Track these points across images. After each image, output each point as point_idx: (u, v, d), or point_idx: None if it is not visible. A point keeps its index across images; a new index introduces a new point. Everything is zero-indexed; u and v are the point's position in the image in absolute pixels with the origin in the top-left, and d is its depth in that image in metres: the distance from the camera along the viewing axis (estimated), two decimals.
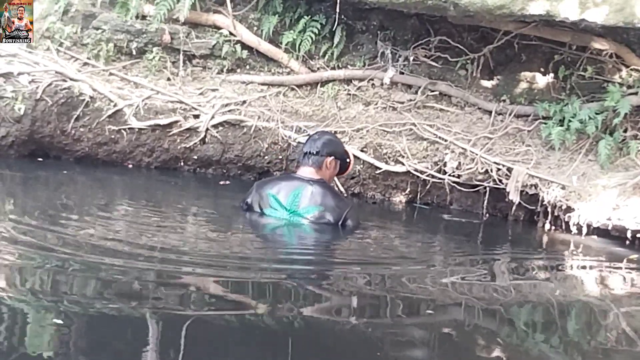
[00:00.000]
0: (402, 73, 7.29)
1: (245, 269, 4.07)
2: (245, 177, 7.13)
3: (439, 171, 6.77)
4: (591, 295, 4.50)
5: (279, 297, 3.65)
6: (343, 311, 3.60)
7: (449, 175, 6.70)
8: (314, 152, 5.28)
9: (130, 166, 6.98)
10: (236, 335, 3.03)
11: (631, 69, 7.05)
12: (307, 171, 5.30)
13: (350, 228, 5.26)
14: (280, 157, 6.98)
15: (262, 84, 7.32)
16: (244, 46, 7.32)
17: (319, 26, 7.25)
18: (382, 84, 7.28)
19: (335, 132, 6.90)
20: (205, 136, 6.93)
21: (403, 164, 6.82)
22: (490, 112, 7.10)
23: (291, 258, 4.60)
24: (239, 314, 3.28)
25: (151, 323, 2.98)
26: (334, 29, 7.27)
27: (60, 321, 2.87)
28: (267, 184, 5.46)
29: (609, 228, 5.95)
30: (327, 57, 7.37)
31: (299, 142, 6.86)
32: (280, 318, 3.31)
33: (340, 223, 5.19)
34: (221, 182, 6.97)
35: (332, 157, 5.34)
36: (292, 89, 7.33)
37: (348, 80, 7.36)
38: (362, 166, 6.91)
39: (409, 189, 6.97)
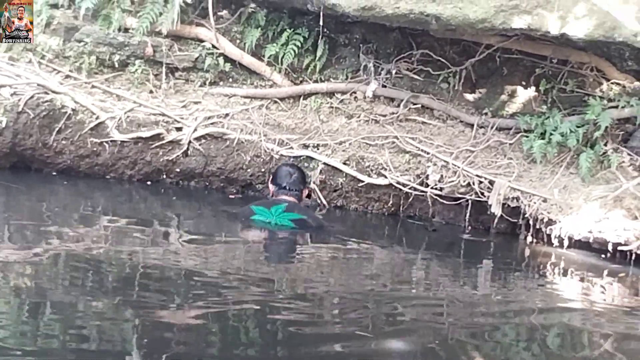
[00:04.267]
0: (385, 86, 7.30)
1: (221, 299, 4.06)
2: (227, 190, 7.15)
3: (421, 184, 6.78)
4: (572, 308, 4.52)
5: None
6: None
7: (431, 188, 6.71)
8: (296, 190, 6.06)
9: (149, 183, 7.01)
10: None
11: (612, 83, 7.12)
12: (288, 199, 5.98)
13: (326, 230, 6.04)
14: (262, 169, 6.97)
15: (245, 97, 7.31)
16: (227, 59, 7.31)
17: (301, 39, 7.24)
18: (364, 97, 7.28)
19: (318, 145, 6.94)
20: (187, 149, 6.92)
21: (385, 177, 6.82)
22: (472, 125, 7.13)
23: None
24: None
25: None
26: (317, 43, 7.28)
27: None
28: (252, 204, 6.00)
29: (590, 241, 5.98)
30: (309, 70, 7.37)
31: (281, 155, 6.87)
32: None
33: (314, 229, 5.89)
34: (231, 196, 7.01)
35: (307, 189, 6.35)
36: (275, 102, 7.33)
37: (331, 93, 7.37)
38: (344, 179, 6.91)
39: (391, 202, 6.97)
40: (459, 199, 6.70)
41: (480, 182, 6.60)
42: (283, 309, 3.73)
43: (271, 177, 6.28)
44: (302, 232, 5.79)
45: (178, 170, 7.01)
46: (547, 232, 6.26)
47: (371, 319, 3.72)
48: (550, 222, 6.22)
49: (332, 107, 7.31)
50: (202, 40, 7.30)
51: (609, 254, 5.86)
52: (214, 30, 7.20)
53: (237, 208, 6.21)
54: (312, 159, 6.91)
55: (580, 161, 6.52)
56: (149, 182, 7.01)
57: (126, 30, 7.21)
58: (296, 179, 6.08)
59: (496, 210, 6.46)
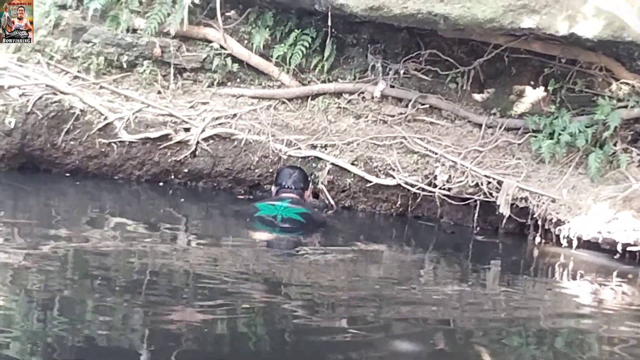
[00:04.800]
0: (393, 86, 7.28)
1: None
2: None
3: (429, 184, 6.76)
4: (582, 309, 4.50)
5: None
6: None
7: (440, 188, 6.70)
8: (296, 188, 6.15)
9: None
10: None
11: (621, 82, 7.07)
12: (290, 196, 6.06)
13: (329, 226, 6.19)
14: (270, 170, 6.96)
15: (253, 97, 7.31)
16: (235, 59, 7.32)
17: (309, 40, 7.23)
18: (372, 97, 7.27)
19: (326, 145, 6.93)
20: (195, 149, 6.92)
21: (393, 177, 6.81)
22: (480, 125, 7.11)
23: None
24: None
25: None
26: (324, 43, 7.27)
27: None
28: (255, 203, 6.10)
29: (600, 241, 5.95)
30: (317, 70, 7.36)
31: (289, 156, 6.87)
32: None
33: (319, 224, 6.03)
34: (240, 196, 7.02)
35: (309, 190, 6.40)
36: (283, 102, 7.33)
37: (338, 94, 7.36)
38: (352, 179, 6.90)
39: (399, 202, 6.96)
40: (467, 199, 6.68)
41: (489, 183, 6.58)
42: (291, 309, 3.73)
43: (274, 179, 6.41)
44: (308, 230, 5.84)
45: (186, 170, 7.01)
46: (556, 233, 6.24)
47: (380, 320, 3.71)
48: (559, 222, 6.20)
49: (340, 108, 7.30)
50: (210, 41, 7.30)
51: (618, 255, 5.83)
52: (222, 30, 7.19)
53: (243, 206, 6.25)
54: (320, 159, 6.90)
55: (589, 161, 6.49)
56: (161, 183, 7.01)
57: (134, 31, 7.22)
58: (296, 178, 6.20)
59: (505, 210, 6.44)
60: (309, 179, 6.58)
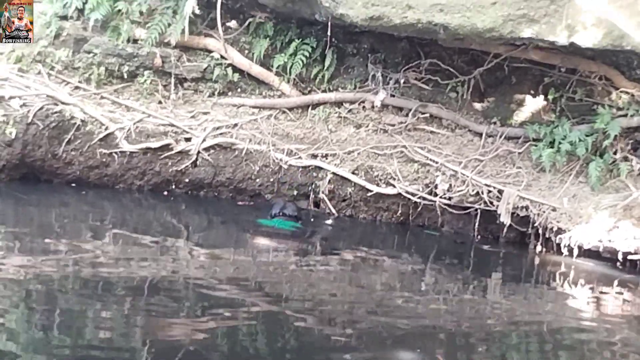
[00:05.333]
0: (393, 96, 7.30)
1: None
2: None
3: (430, 193, 6.76)
4: (583, 320, 4.50)
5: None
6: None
7: (440, 197, 6.70)
8: (292, 215, 6.26)
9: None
10: None
11: (620, 91, 7.09)
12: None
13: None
14: (271, 179, 6.98)
15: (254, 107, 7.33)
16: (235, 69, 7.34)
17: (310, 49, 7.26)
18: (373, 107, 7.28)
19: (327, 154, 6.95)
20: (196, 159, 6.93)
21: (394, 186, 6.82)
22: (480, 135, 7.12)
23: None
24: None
25: None
26: (325, 52, 7.29)
27: None
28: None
29: (600, 250, 5.95)
30: (318, 80, 7.38)
31: (290, 165, 6.89)
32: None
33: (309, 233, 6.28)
34: (240, 202, 7.04)
35: (299, 222, 6.36)
36: (284, 112, 7.34)
37: (339, 103, 7.38)
38: (353, 188, 6.91)
39: (400, 211, 6.96)
40: (468, 208, 6.69)
41: (489, 191, 6.58)
42: (292, 318, 3.73)
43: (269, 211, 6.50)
44: (309, 239, 5.96)
45: (187, 180, 7.01)
46: (557, 241, 6.24)
47: (381, 331, 3.71)
48: (560, 231, 6.20)
49: (341, 117, 7.32)
50: (210, 51, 7.32)
51: (619, 263, 5.83)
52: (223, 40, 7.21)
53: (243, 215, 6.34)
54: (320, 168, 6.92)
55: (589, 170, 6.50)
56: (165, 192, 7.01)
57: (135, 41, 7.24)
58: (290, 208, 6.37)
59: (505, 219, 6.44)
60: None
